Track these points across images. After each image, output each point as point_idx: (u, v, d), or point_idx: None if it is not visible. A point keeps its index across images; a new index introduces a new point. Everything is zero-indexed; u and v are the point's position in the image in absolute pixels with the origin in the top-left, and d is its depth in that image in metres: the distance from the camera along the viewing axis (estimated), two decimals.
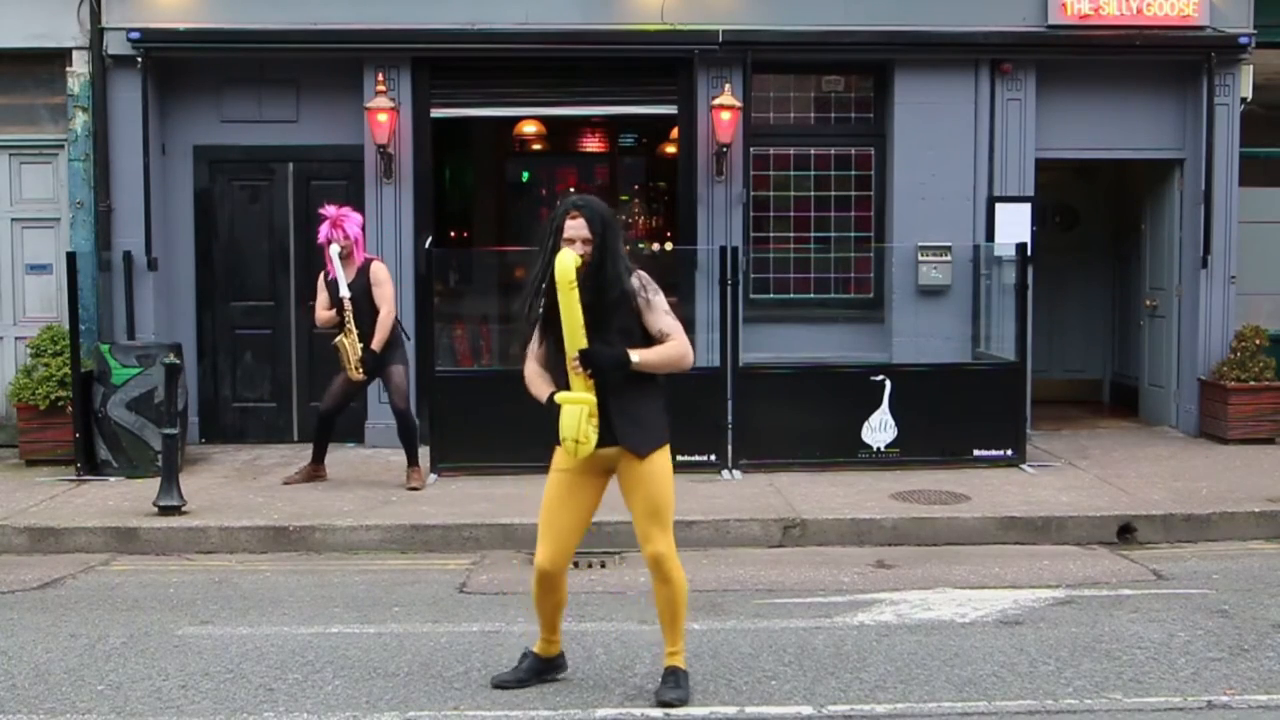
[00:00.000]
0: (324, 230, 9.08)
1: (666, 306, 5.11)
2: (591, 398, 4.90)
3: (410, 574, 7.42)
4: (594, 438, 4.91)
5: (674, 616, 5.15)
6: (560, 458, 5.11)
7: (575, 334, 4.88)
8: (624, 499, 5.17)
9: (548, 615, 5.34)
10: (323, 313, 9.18)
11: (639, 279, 5.08)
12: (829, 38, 10.69)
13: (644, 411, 5.08)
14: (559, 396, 4.95)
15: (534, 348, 5.19)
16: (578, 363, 4.89)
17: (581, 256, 4.92)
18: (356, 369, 9.03)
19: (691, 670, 5.35)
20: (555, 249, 4.96)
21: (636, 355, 4.95)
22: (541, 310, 5.07)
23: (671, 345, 5.04)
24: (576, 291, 4.85)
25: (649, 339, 5.05)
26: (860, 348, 10.84)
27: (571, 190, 14.15)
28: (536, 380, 5.17)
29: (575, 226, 4.97)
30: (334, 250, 9.01)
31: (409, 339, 9.52)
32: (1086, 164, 12.32)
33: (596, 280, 4.94)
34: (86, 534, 8.05)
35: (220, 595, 6.97)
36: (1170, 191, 11.46)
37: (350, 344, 9.01)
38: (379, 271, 9.14)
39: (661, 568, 5.07)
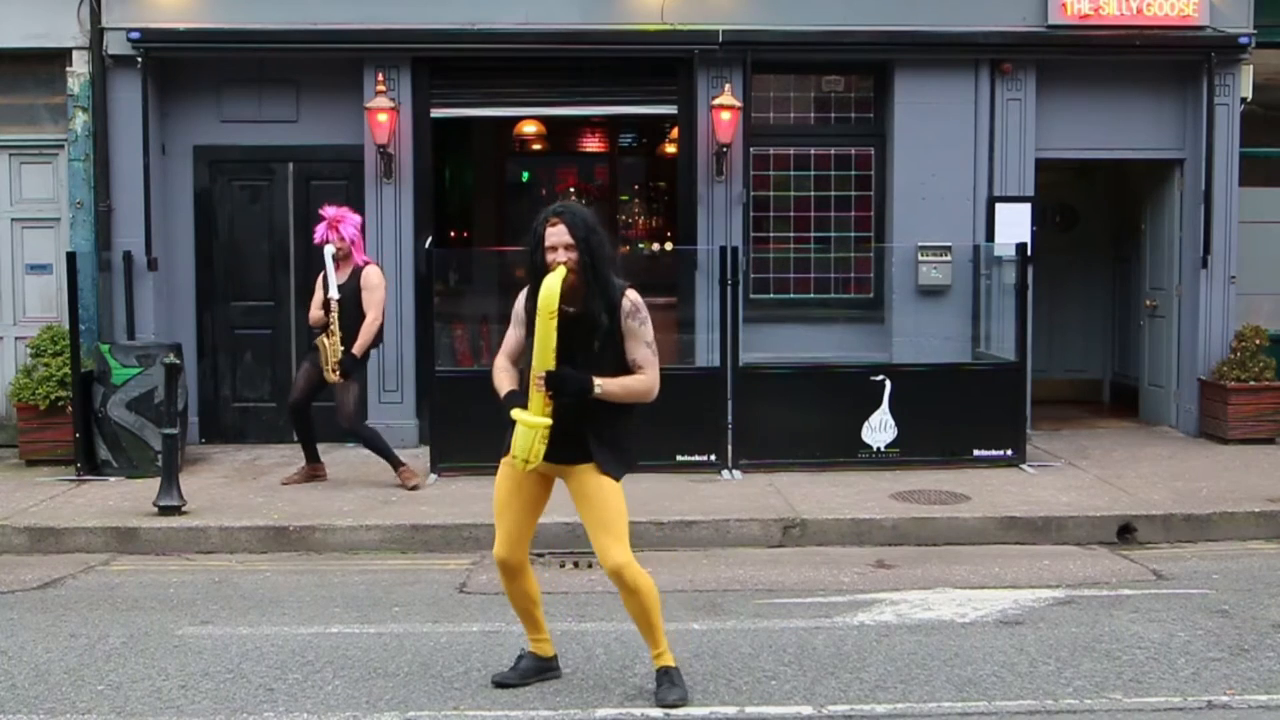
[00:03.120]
0: (320, 231, 9.09)
1: (650, 337, 5.07)
2: (546, 421, 4.89)
3: (410, 574, 7.42)
4: (541, 455, 4.92)
5: (649, 622, 5.13)
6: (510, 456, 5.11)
7: (545, 354, 4.88)
8: (578, 511, 5.16)
9: (523, 609, 5.34)
10: (313, 311, 9.18)
11: (631, 302, 5.04)
12: (829, 38, 10.69)
13: (619, 435, 5.09)
14: (515, 414, 4.95)
15: (509, 344, 5.20)
16: (541, 383, 4.89)
17: (565, 264, 4.88)
18: (333, 370, 9.02)
19: (691, 670, 5.36)
20: (542, 263, 4.93)
21: (600, 385, 4.93)
22: (526, 315, 5.07)
23: (639, 379, 5.02)
24: (555, 320, 4.84)
25: (623, 361, 5.03)
26: (860, 348, 10.84)
27: (571, 190, 14.19)
28: (501, 375, 5.18)
29: (555, 233, 4.93)
30: (328, 251, 9.01)
31: (380, 344, 9.44)
32: (1086, 164, 12.31)
33: (589, 289, 4.92)
34: (86, 534, 8.05)
35: (220, 595, 6.97)
36: (1170, 191, 11.46)
37: (331, 345, 9.00)
38: (370, 276, 9.11)
39: (624, 579, 5.03)
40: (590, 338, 4.96)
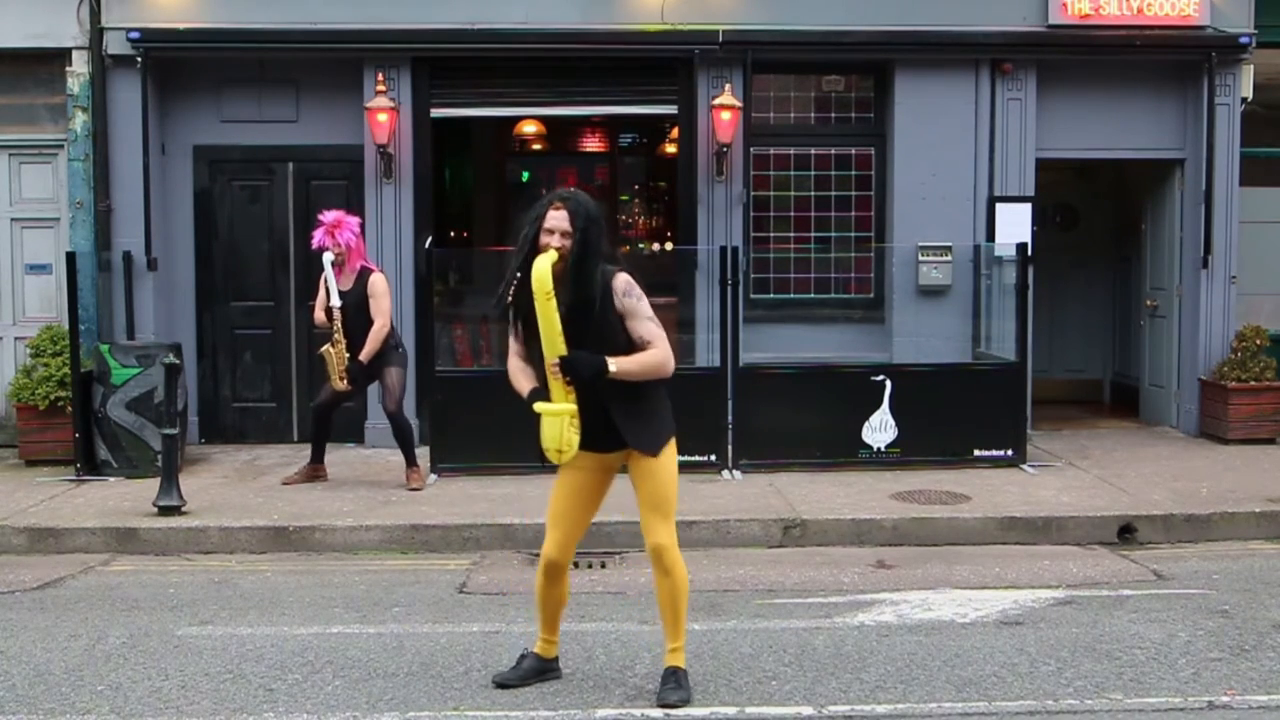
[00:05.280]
0: (318, 236, 9.03)
1: (650, 313, 5.08)
2: (571, 406, 4.92)
3: (410, 574, 7.42)
4: (576, 442, 4.94)
5: (675, 611, 5.16)
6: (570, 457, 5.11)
7: (554, 341, 4.88)
8: (635, 491, 5.18)
9: (550, 611, 5.36)
10: (317, 313, 9.16)
11: (624, 282, 5.04)
12: (829, 38, 10.68)
13: (647, 411, 5.09)
14: (539, 407, 4.96)
15: (515, 343, 5.19)
16: (556, 368, 4.90)
17: (558, 250, 4.88)
18: (341, 378, 9.01)
19: (691, 670, 5.35)
20: (534, 240, 4.94)
21: (614, 364, 4.92)
22: (513, 307, 5.05)
23: (652, 353, 5.01)
24: (554, 300, 4.83)
25: (631, 344, 5.03)
26: (860, 348, 10.83)
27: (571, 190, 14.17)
28: (519, 375, 5.17)
29: (557, 218, 4.93)
30: (327, 258, 8.97)
31: (400, 347, 9.45)
32: (1086, 164, 12.31)
33: (574, 278, 4.91)
34: (86, 534, 8.04)
35: (220, 595, 6.97)
36: (1171, 191, 11.46)
37: (337, 353, 8.96)
38: (378, 284, 9.05)
39: (663, 559, 5.09)
40: (584, 329, 4.94)
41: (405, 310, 10.57)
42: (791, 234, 11.20)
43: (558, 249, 4.89)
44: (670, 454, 5.13)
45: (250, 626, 6.33)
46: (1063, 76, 10.98)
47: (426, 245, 10.24)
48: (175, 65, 10.81)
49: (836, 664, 5.66)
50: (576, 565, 7.51)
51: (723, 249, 9.76)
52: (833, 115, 11.30)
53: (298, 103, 10.94)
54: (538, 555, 7.51)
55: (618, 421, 4.99)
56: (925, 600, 6.73)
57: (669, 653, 5.22)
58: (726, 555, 7.78)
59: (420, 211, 10.87)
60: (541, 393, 5.01)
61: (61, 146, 10.80)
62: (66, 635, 6.19)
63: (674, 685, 5.15)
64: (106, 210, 10.61)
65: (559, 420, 4.91)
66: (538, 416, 4.97)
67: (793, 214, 11.19)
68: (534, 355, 5.07)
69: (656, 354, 5.02)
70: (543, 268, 4.83)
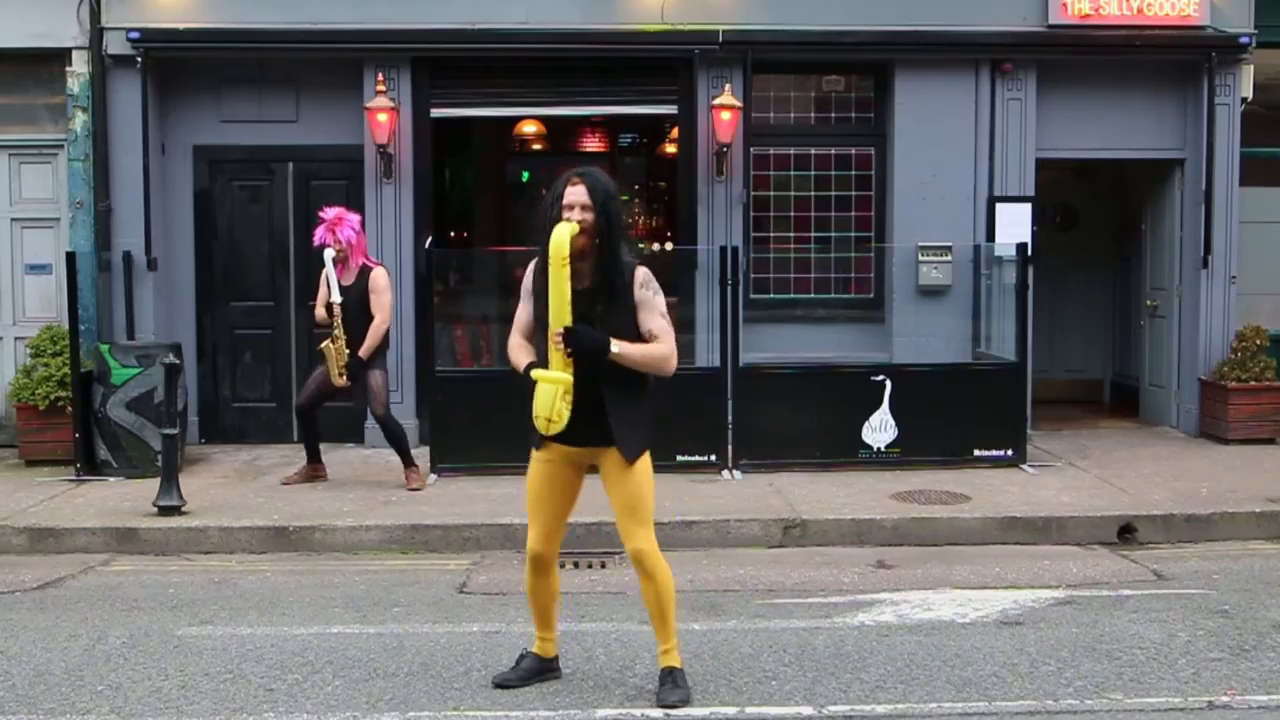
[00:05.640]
0: (319, 233, 9.03)
1: (664, 309, 5.08)
2: (568, 377, 4.89)
3: (410, 574, 7.42)
4: (566, 416, 4.90)
5: (662, 612, 5.15)
6: (541, 450, 5.12)
7: (561, 310, 4.86)
8: (607, 494, 5.17)
9: (542, 607, 5.35)
10: (318, 309, 9.15)
11: (644, 274, 5.05)
12: (829, 38, 10.69)
13: (638, 415, 5.07)
14: (536, 373, 4.95)
15: (521, 319, 5.19)
16: (559, 339, 4.88)
17: (580, 224, 4.88)
18: (340, 374, 9.01)
19: (692, 670, 5.35)
20: (557, 220, 4.93)
21: (617, 345, 4.90)
22: (532, 283, 5.07)
23: (657, 346, 5.00)
24: (568, 268, 4.82)
25: (639, 337, 5.02)
26: (860, 348, 10.84)
27: None
28: (518, 351, 5.18)
29: (575, 193, 4.93)
30: (328, 254, 8.98)
31: (388, 348, 9.44)
32: (1086, 164, 12.32)
33: (600, 255, 4.92)
34: (86, 534, 8.04)
35: (220, 595, 6.97)
36: (1171, 191, 11.46)
37: (337, 349, 8.97)
38: (379, 279, 9.06)
39: (643, 564, 5.09)
40: (595, 307, 4.93)
41: (405, 310, 10.57)
42: (791, 234, 11.20)
43: (579, 222, 4.89)
44: (645, 460, 5.10)
45: (250, 626, 6.33)
46: (1063, 76, 10.98)
47: (426, 245, 10.25)
48: (175, 65, 10.81)
49: (836, 664, 5.66)
50: (576, 565, 7.53)
51: (723, 249, 9.76)
52: (833, 115, 11.30)
53: (298, 103, 10.94)
54: None
55: (610, 414, 4.96)
56: (925, 600, 6.73)
57: (662, 653, 5.22)
58: (726, 555, 7.78)
59: (420, 211, 10.87)
60: (540, 366, 5.00)
61: (61, 146, 10.80)
62: (66, 635, 6.19)
63: (672, 685, 5.15)
64: (106, 210, 10.61)
65: (554, 389, 4.88)
66: (533, 385, 4.95)
67: (793, 214, 11.19)
68: (539, 337, 5.06)
69: (661, 348, 5.00)
70: (561, 235, 4.83)
